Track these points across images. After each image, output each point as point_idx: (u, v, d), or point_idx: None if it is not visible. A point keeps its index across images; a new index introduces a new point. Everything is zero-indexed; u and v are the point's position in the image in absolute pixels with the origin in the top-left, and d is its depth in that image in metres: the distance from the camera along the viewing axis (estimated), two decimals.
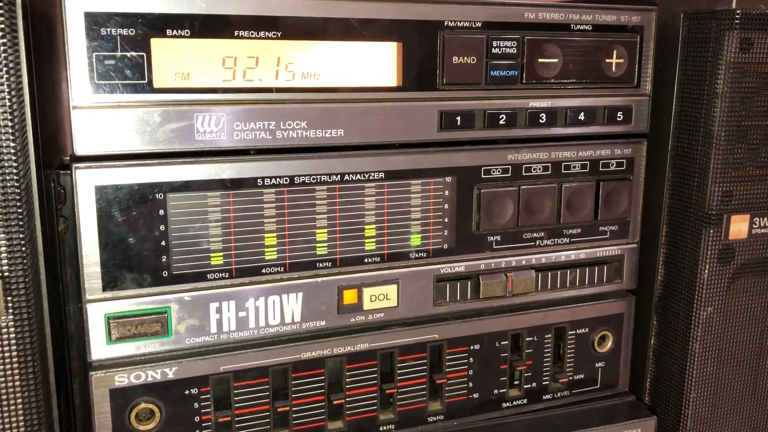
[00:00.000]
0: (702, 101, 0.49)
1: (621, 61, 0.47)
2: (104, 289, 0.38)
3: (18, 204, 0.35)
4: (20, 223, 0.35)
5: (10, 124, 0.34)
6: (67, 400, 0.42)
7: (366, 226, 0.43)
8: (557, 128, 0.46)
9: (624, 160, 0.49)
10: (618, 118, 0.48)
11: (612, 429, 0.49)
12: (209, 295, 0.40)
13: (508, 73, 0.44)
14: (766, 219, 0.50)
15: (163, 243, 0.38)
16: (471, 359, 0.47)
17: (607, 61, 0.46)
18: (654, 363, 0.54)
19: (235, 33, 0.38)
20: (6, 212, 0.35)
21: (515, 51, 0.44)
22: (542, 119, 0.45)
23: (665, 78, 0.50)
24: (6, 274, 0.35)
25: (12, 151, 0.34)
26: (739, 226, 0.50)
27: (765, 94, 0.49)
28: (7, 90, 0.33)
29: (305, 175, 0.41)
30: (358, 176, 0.42)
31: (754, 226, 0.50)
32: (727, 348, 0.53)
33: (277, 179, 0.40)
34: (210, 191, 0.39)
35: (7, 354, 0.36)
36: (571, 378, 0.50)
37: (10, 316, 0.36)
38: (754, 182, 0.50)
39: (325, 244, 0.42)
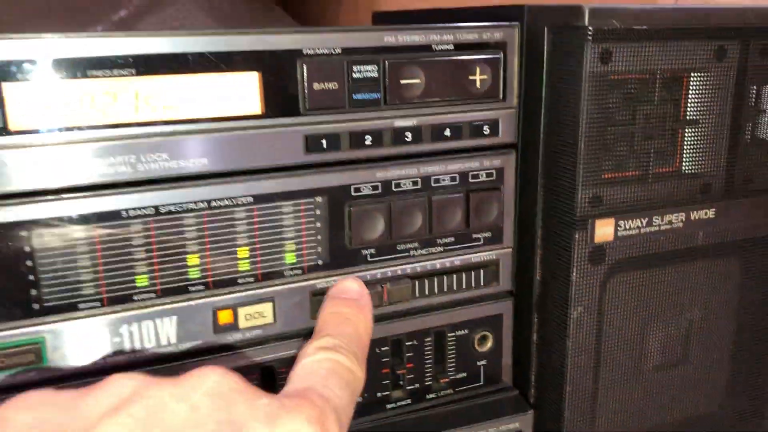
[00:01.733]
0: (567, 111, 0.51)
1: (485, 77, 0.49)
2: None
3: None
4: None
5: None
6: None
7: (238, 249, 0.45)
8: (424, 145, 0.48)
9: (493, 171, 0.51)
10: (485, 132, 0.50)
11: (491, 424, 0.52)
12: (81, 324, 0.42)
13: (370, 95, 0.46)
14: (630, 221, 0.53)
15: (31, 277, 0.40)
16: None
17: (471, 77, 0.48)
18: (537, 359, 0.57)
19: (88, 74, 0.39)
20: None
21: (376, 74, 0.45)
22: (408, 137, 0.47)
23: (533, 90, 0.52)
24: None
25: None
26: (604, 230, 0.53)
27: (626, 102, 0.51)
28: None
29: (171, 204, 0.42)
30: (226, 201, 0.44)
31: (619, 228, 0.53)
32: (605, 342, 0.57)
33: (142, 210, 0.42)
34: (74, 226, 0.40)
35: None
36: (453, 377, 0.53)
37: None
38: (619, 186, 0.53)
39: (198, 268, 0.44)
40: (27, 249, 0.40)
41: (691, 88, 0.55)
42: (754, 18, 0.53)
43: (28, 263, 0.40)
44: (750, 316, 0.62)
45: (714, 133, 0.55)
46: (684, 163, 0.56)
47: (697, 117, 0.55)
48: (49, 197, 0.40)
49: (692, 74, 0.54)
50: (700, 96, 0.54)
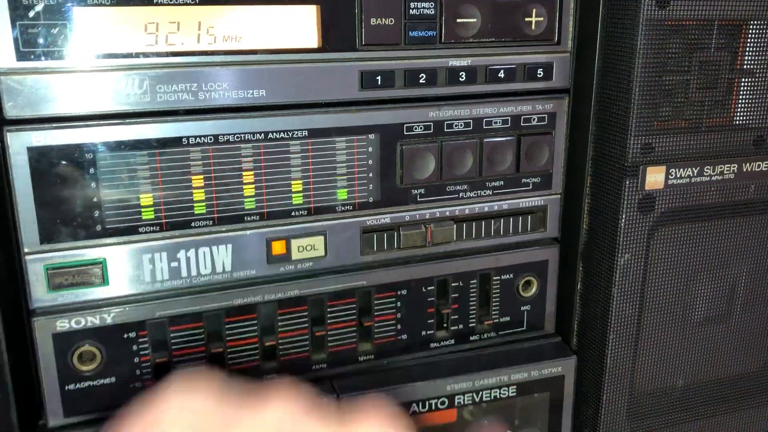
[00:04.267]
0: (622, 57, 0.51)
1: (540, 19, 0.49)
2: (42, 242, 0.41)
3: None
4: None
5: None
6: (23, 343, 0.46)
7: (292, 182, 0.46)
8: (478, 86, 0.48)
9: (545, 115, 0.51)
10: (539, 75, 0.50)
11: (533, 367, 0.53)
12: (142, 247, 0.43)
13: (426, 33, 0.46)
14: (681, 170, 0.53)
15: (95, 199, 0.41)
16: (399, 303, 0.51)
17: (527, 19, 0.48)
18: (580, 307, 0.58)
19: (155, 1, 0.40)
20: None
21: (433, 11, 0.45)
22: (462, 77, 0.48)
23: (588, 35, 0.52)
24: None
25: None
26: (655, 177, 0.53)
27: (682, 49, 0.51)
28: None
29: (229, 134, 0.43)
30: (282, 134, 0.45)
31: (670, 176, 0.53)
32: (649, 292, 0.57)
33: (202, 138, 0.43)
34: (138, 150, 0.42)
35: None
36: (496, 321, 0.54)
37: None
38: (672, 135, 0.53)
39: (253, 199, 0.45)
40: (92, 171, 0.41)
41: (749, 37, 0.54)
42: None
43: (93, 185, 0.41)
44: None
45: None
46: (737, 115, 0.55)
47: (754, 67, 0.54)
48: (114, 121, 0.41)
49: (751, 22, 0.53)
50: (757, 45, 0.53)
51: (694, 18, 0.51)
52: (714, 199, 0.55)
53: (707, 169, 0.54)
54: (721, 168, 0.54)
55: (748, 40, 0.54)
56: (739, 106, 0.55)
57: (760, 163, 0.55)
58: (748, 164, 0.55)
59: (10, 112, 0.39)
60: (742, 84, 0.55)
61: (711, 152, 0.54)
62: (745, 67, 0.54)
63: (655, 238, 0.55)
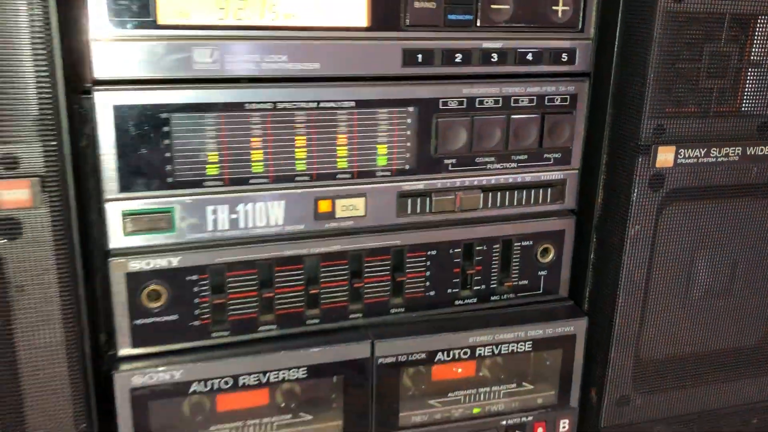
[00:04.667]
0: (639, 45, 0.55)
1: (566, 8, 0.54)
2: (120, 191, 0.46)
3: (50, 119, 0.43)
4: (53, 134, 0.43)
5: (42, 53, 0.42)
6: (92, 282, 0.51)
7: (338, 148, 0.51)
8: (507, 66, 0.53)
9: (567, 96, 0.56)
10: (563, 59, 0.55)
11: (548, 325, 0.58)
12: (206, 199, 0.49)
13: (464, 16, 0.51)
14: (690, 150, 0.58)
15: (167, 154, 0.47)
16: (428, 263, 0.56)
17: (554, 7, 0.53)
18: (593, 274, 0.63)
19: None
20: (42, 126, 0.43)
21: None
22: (494, 58, 0.53)
23: (609, 24, 0.57)
24: (42, 174, 0.44)
25: (45, 75, 0.42)
26: (665, 156, 0.57)
27: (695, 40, 0.56)
28: (41, 25, 0.41)
29: (286, 102, 0.49)
30: (332, 104, 0.50)
31: (679, 156, 0.58)
32: (656, 263, 0.62)
33: (261, 104, 0.48)
34: (206, 113, 0.47)
35: (42, 238, 0.45)
36: (516, 283, 0.59)
37: (46, 209, 0.45)
38: (682, 118, 0.58)
39: (304, 162, 0.50)
40: (166, 129, 0.46)
41: (757, 31, 0.58)
42: None
43: (166, 142, 0.46)
44: None
45: None
46: (744, 103, 0.60)
47: (761, 59, 0.59)
48: (187, 85, 0.46)
49: (759, 17, 0.58)
50: (765, 39, 0.58)
51: (707, 11, 0.56)
52: (719, 180, 0.60)
53: (714, 150, 0.59)
54: (726, 150, 0.59)
55: (757, 34, 0.59)
56: (746, 94, 0.60)
57: (763, 147, 0.60)
58: (751, 148, 0.60)
59: (100, 74, 0.44)
60: (749, 74, 0.59)
61: (718, 135, 0.59)
62: (752, 58, 0.59)
63: (663, 214, 0.60)
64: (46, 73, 0.42)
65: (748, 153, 0.60)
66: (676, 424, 0.68)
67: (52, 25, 0.42)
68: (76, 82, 0.47)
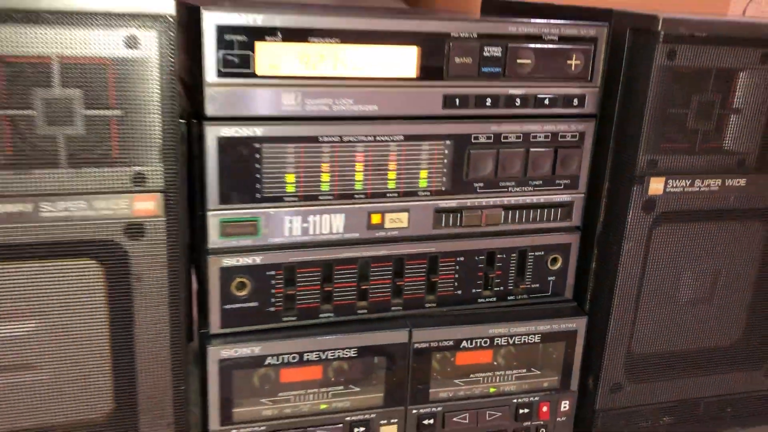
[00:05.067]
0: (638, 93, 0.66)
1: (578, 62, 0.65)
2: (219, 203, 0.59)
3: (171, 148, 0.55)
4: (173, 159, 0.56)
5: (168, 98, 0.54)
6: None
7: (389, 172, 0.63)
8: (528, 109, 0.64)
9: (577, 134, 0.67)
10: (574, 103, 0.66)
11: (554, 321, 0.70)
12: (284, 211, 0.60)
13: (494, 69, 0.62)
14: (677, 181, 0.69)
15: (257, 176, 0.59)
16: (457, 267, 0.67)
17: (568, 62, 0.65)
18: (593, 281, 0.74)
19: (309, 39, 0.57)
20: (164, 153, 0.55)
21: (500, 54, 0.62)
22: (517, 102, 0.64)
23: (613, 75, 0.68)
24: (163, 190, 0.56)
25: (169, 114, 0.54)
26: (657, 185, 0.69)
27: (685, 91, 0.67)
28: (167, 76, 0.54)
29: (350, 135, 0.60)
30: (385, 137, 0.61)
31: (668, 185, 0.69)
32: (647, 274, 0.73)
33: (331, 137, 0.60)
34: (288, 144, 0.59)
35: (159, 240, 0.57)
36: (528, 286, 0.70)
37: (164, 217, 0.57)
38: (672, 154, 0.69)
39: (361, 183, 0.62)
40: (257, 156, 0.58)
41: (738, 83, 0.70)
42: None
43: (257, 166, 0.59)
44: None
45: (753, 121, 0.70)
46: (726, 143, 0.71)
47: (741, 107, 0.70)
48: (275, 122, 0.58)
49: (740, 72, 0.69)
50: (745, 90, 0.69)
51: (696, 67, 0.68)
52: (701, 206, 0.71)
53: (697, 181, 0.70)
54: (708, 182, 0.70)
55: (738, 86, 0.70)
56: (728, 136, 0.71)
57: (740, 179, 0.71)
58: (730, 180, 0.71)
59: (210, 112, 0.57)
60: (731, 119, 0.71)
61: (701, 169, 0.70)
62: (734, 106, 0.70)
63: (654, 233, 0.72)
64: (170, 113, 0.55)
65: (727, 184, 0.71)
66: (661, 409, 0.80)
67: (175, 75, 0.54)
68: (191, 117, 0.60)
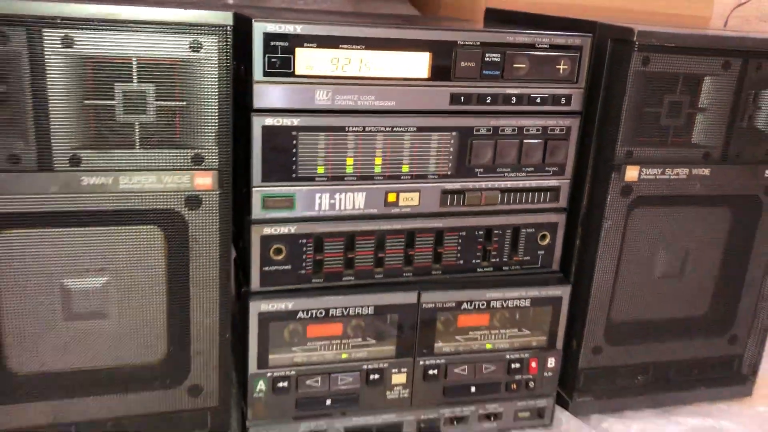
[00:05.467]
0: (617, 94, 0.78)
1: (566, 67, 0.76)
2: (262, 181, 0.70)
3: (225, 133, 0.66)
4: (225, 143, 0.67)
5: (224, 93, 0.66)
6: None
7: (403, 158, 0.74)
8: (522, 106, 0.76)
9: (564, 128, 0.78)
10: (562, 102, 0.77)
11: (541, 289, 0.81)
12: (315, 189, 0.72)
13: (494, 72, 0.74)
14: (650, 169, 0.80)
15: (293, 159, 0.70)
16: (460, 240, 0.78)
17: (557, 67, 0.76)
18: (578, 255, 0.85)
19: (340, 45, 0.69)
20: (218, 138, 0.66)
21: (499, 60, 0.73)
22: (513, 100, 0.75)
23: (596, 78, 0.79)
24: (218, 168, 0.68)
25: (224, 106, 0.66)
26: (632, 173, 0.80)
27: (657, 93, 0.78)
28: (224, 74, 0.65)
29: (371, 126, 0.72)
30: (401, 129, 0.73)
31: (642, 173, 0.80)
32: (624, 250, 0.84)
33: (355, 128, 0.71)
34: (319, 132, 0.70)
35: (212, 210, 0.69)
36: (521, 259, 0.82)
37: (217, 191, 0.69)
38: (646, 147, 0.80)
39: (380, 166, 0.73)
40: (294, 142, 0.70)
41: (704, 87, 0.81)
42: (751, 44, 0.79)
43: (294, 150, 0.70)
44: (733, 252, 0.89)
45: (718, 119, 0.81)
46: (693, 137, 0.82)
47: (707, 107, 0.81)
48: (309, 114, 0.70)
49: (706, 77, 0.80)
50: (709, 93, 0.80)
51: (668, 72, 0.79)
52: (671, 191, 0.82)
53: (668, 170, 0.81)
54: (677, 170, 0.81)
55: (704, 89, 0.81)
56: (695, 131, 0.83)
57: (705, 169, 0.82)
58: (696, 170, 0.82)
59: (256, 104, 0.68)
60: (698, 117, 0.82)
61: (672, 160, 0.81)
62: (701, 106, 0.81)
63: (631, 215, 0.83)
64: (225, 105, 0.66)
65: (693, 173, 0.82)
66: (636, 369, 0.91)
67: (230, 74, 0.66)
68: (241, 109, 0.71)
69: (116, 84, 0.63)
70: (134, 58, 0.62)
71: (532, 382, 0.83)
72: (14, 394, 0.69)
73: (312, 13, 0.88)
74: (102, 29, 0.60)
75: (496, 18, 1.04)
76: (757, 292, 0.91)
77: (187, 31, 0.63)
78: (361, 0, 1.38)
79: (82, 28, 0.60)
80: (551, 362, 0.83)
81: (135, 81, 0.63)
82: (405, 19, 0.89)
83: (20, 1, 0.58)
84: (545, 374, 0.84)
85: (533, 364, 0.82)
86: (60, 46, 0.60)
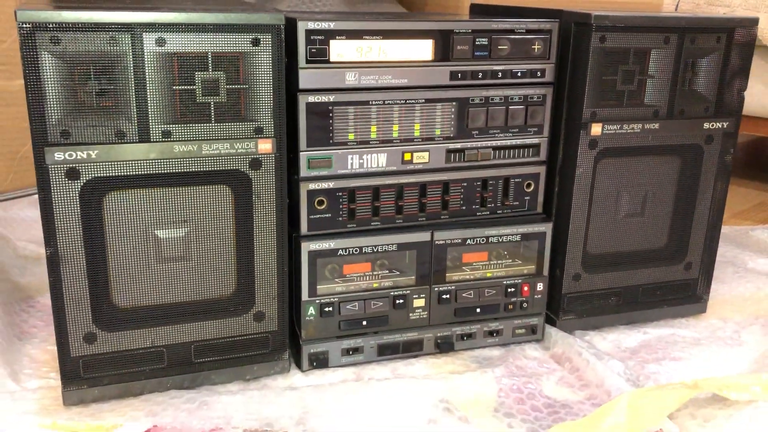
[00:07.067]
0: (581, 66, 0.98)
1: (540, 47, 0.96)
2: (307, 146, 0.89)
3: (278, 108, 0.86)
4: (278, 116, 0.86)
5: (276, 77, 0.84)
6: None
7: (415, 124, 0.94)
8: (507, 79, 0.95)
9: (541, 96, 0.98)
10: (538, 75, 0.97)
11: (528, 226, 1.00)
12: (347, 152, 0.91)
13: (483, 53, 0.93)
14: (611, 126, 1.00)
15: (330, 128, 0.90)
16: (462, 190, 0.98)
17: (533, 47, 0.95)
18: (557, 199, 1.05)
19: (363, 36, 0.88)
20: (274, 112, 0.86)
21: (486, 42, 0.93)
22: (499, 75, 0.95)
23: (564, 54, 0.99)
24: (274, 136, 0.86)
25: (285, 88, 0.85)
26: (597, 129, 1.00)
27: (613, 64, 0.98)
28: (277, 61, 0.84)
29: (390, 100, 0.91)
30: (413, 100, 0.92)
31: (604, 129, 1.00)
32: (595, 193, 1.04)
33: (378, 102, 0.91)
34: (349, 106, 0.90)
35: (270, 170, 0.88)
36: (511, 203, 1.01)
37: (274, 154, 0.87)
38: (607, 108, 1.00)
39: (397, 132, 0.93)
40: (330, 115, 0.89)
41: (651, 58, 1.01)
42: (686, 22, 0.99)
43: (330, 120, 0.89)
44: (683, 192, 1.09)
45: (664, 83, 1.02)
46: (645, 98, 1.03)
47: (654, 74, 1.01)
48: (342, 92, 0.89)
49: (652, 50, 1.00)
50: (656, 62, 1.01)
51: (621, 47, 0.99)
52: (629, 143, 1.03)
53: (625, 126, 1.01)
54: (633, 126, 1.02)
55: (650, 60, 1.01)
56: (646, 93, 1.03)
57: (655, 124, 1.03)
58: (648, 125, 1.02)
59: (302, 86, 0.87)
60: (648, 83, 1.02)
61: (628, 117, 1.01)
62: (649, 73, 1.02)
63: (598, 164, 1.03)
64: (278, 87, 0.85)
65: (646, 128, 1.02)
66: (610, 293, 1.11)
67: (282, 63, 0.85)
68: (290, 90, 0.90)
69: (196, 73, 0.81)
70: (209, 53, 0.81)
71: (525, 303, 1.03)
72: (118, 324, 0.88)
73: (325, 14, 1.07)
74: (186, 31, 0.79)
75: (480, 11, 1.23)
76: (705, 226, 1.11)
77: (250, 30, 0.82)
78: (355, 1, 1.57)
79: (172, 31, 0.79)
80: (539, 286, 1.03)
81: (210, 70, 0.82)
82: (407, 16, 1.08)
83: (126, 11, 0.76)
84: (535, 297, 1.03)
85: (525, 288, 1.02)
86: (155, 45, 0.79)
